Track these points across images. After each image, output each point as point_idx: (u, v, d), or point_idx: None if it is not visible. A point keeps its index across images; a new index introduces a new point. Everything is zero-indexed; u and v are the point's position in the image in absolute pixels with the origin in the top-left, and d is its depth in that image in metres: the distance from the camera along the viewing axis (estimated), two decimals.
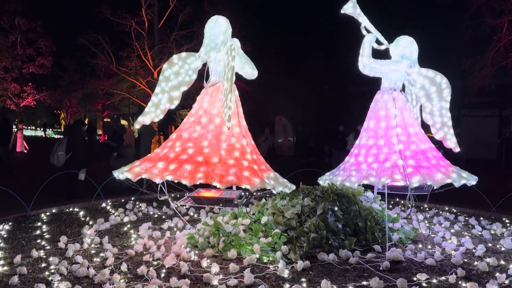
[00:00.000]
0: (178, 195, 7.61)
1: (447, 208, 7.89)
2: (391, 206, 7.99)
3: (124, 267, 4.24)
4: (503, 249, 5.26)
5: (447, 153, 7.16)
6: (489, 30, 15.88)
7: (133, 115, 39.83)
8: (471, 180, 5.91)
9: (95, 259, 4.53)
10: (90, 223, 6.29)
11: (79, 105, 36.23)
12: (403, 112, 6.15)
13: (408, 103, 6.46)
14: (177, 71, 5.56)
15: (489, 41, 16.05)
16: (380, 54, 6.65)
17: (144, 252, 4.78)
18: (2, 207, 6.77)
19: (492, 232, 6.10)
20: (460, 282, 4.02)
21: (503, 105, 28.27)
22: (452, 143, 6.21)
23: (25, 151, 23.59)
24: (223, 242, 4.72)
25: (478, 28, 15.79)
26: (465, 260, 4.72)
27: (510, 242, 5.36)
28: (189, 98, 11.52)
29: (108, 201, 7.98)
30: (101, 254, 4.68)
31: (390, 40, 6.67)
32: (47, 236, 5.52)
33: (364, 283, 3.94)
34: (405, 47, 6.35)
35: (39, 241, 5.27)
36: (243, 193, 6.10)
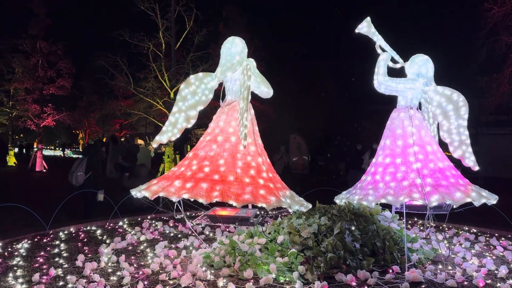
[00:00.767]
0: (194, 214, 7.60)
1: (466, 228, 7.70)
2: (409, 226, 7.82)
3: (140, 286, 4.24)
4: None
5: (466, 172, 7.00)
6: (505, 48, 15.76)
7: (149, 134, 40.25)
8: (491, 199, 5.78)
9: (111, 278, 4.51)
10: (107, 241, 6.27)
11: (97, 125, 36.82)
12: (420, 130, 6.11)
13: (425, 121, 6.42)
14: (194, 91, 5.63)
15: (505, 59, 15.90)
16: (396, 73, 6.65)
17: (160, 271, 4.73)
18: (21, 225, 6.82)
19: None
20: None
21: None
22: (470, 161, 6.11)
23: (44, 170, 23.86)
24: (239, 262, 4.68)
25: (493, 46, 15.66)
26: (488, 281, 4.59)
27: None
28: (205, 117, 11.59)
29: (125, 220, 7.97)
30: (118, 273, 4.66)
31: (406, 58, 6.68)
32: (65, 255, 5.51)
33: None
34: (421, 65, 6.35)
35: (57, 259, 5.26)
36: (258, 212, 6.08)
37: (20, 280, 4.40)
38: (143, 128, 40.07)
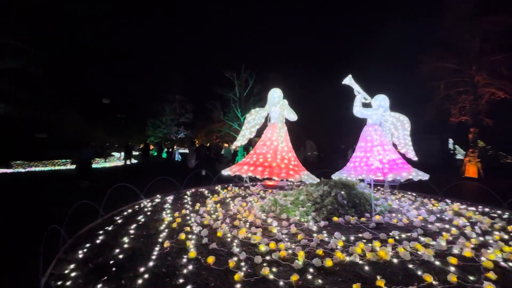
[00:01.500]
0: (253, 183, 7.62)
1: (409, 193, 7.19)
2: (375, 191, 7.33)
3: (227, 220, 4.36)
4: (446, 218, 4.68)
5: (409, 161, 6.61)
6: (432, 88, 14.47)
7: (229, 141, 41.09)
8: (425, 176, 5.40)
9: (212, 216, 4.63)
10: (210, 196, 6.28)
11: (205, 136, 37.95)
12: (381, 137, 5.84)
13: (383, 132, 6.11)
14: (254, 118, 5.75)
15: (433, 94, 14.60)
16: (365, 105, 6.40)
17: (237, 213, 4.84)
18: (166, 188, 6.98)
19: (439, 207, 5.44)
20: (419, 237, 3.66)
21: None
22: (411, 155, 5.75)
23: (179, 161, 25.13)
24: (278, 209, 4.71)
25: (428, 85, 14.43)
26: (422, 224, 4.28)
27: (451, 215, 4.77)
28: (260, 132, 11.70)
29: (219, 186, 7.92)
30: (216, 213, 4.80)
31: (372, 95, 6.42)
32: (190, 203, 5.64)
33: (360, 235, 3.72)
34: (381, 100, 6.08)
35: (186, 206, 5.41)
36: (289, 183, 6.05)
37: (169, 216, 4.65)
38: (228, 137, 41.24)
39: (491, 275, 2.70)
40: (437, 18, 14.44)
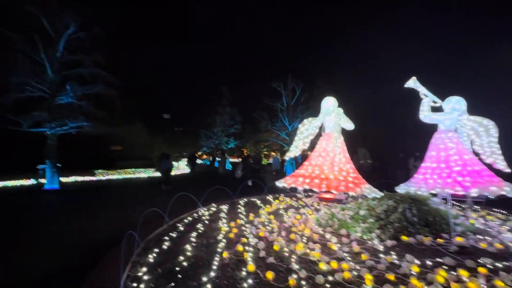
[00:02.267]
0: (307, 194, 7.33)
1: (496, 211, 5.99)
2: (452, 207, 6.29)
3: (283, 233, 4.27)
4: None
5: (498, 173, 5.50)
6: None
7: (277, 149, 41.08)
8: None
9: (267, 227, 4.58)
10: (262, 206, 6.22)
11: (253, 145, 38.65)
12: (458, 145, 5.04)
13: (461, 139, 5.27)
14: (307, 128, 5.58)
15: None
16: (435, 109, 5.64)
17: (292, 226, 4.71)
18: (222, 197, 7.06)
19: None
20: None
21: None
22: (501, 165, 4.79)
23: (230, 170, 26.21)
24: (337, 224, 4.42)
25: None
26: None
27: None
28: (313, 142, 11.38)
29: (270, 195, 7.70)
30: (270, 225, 4.73)
31: (442, 98, 5.63)
32: (244, 213, 5.65)
33: (439, 259, 3.20)
34: (455, 102, 5.29)
35: (240, 215, 5.43)
36: (347, 196, 5.63)
37: (225, 226, 4.72)
38: (275, 146, 41.25)
39: None
40: None
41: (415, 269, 2.95)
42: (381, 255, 3.33)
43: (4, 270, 3.60)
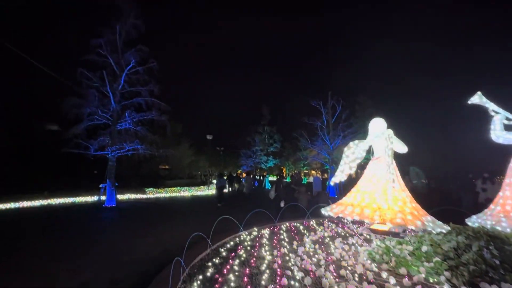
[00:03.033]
0: (358, 226, 6.69)
1: None
2: None
3: (331, 267, 3.90)
4: None
5: None
6: None
7: (317, 168, 39.64)
8: None
9: (313, 258, 4.27)
10: (306, 233, 5.89)
11: (292, 164, 37.86)
12: None
13: None
14: (353, 151, 5.19)
15: None
16: (509, 127, 4.79)
17: (340, 259, 4.29)
18: (261, 219, 6.88)
19: None
20: None
21: None
22: None
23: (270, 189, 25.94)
24: (394, 261, 3.87)
25: None
26: None
27: None
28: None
29: (313, 221, 7.46)
30: (316, 256, 4.39)
31: None
32: (286, 239, 5.41)
33: None
34: None
35: (283, 242, 5.17)
36: (404, 229, 4.95)
37: (267, 249, 4.56)
38: (314, 165, 39.89)
39: None
40: None
41: None
42: None
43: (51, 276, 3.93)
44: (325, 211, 4.98)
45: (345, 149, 5.33)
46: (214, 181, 28.33)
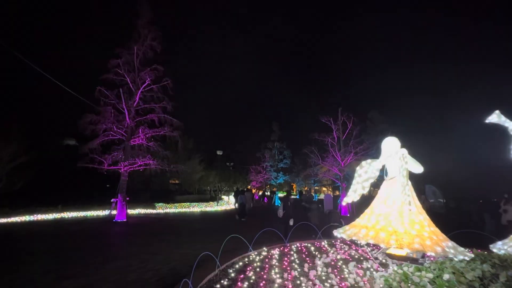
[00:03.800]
0: (373, 249, 6.29)
1: None
2: None
3: None
4: None
5: None
6: None
7: (328, 185, 38.75)
8: None
9: (325, 284, 4.05)
10: (317, 255, 5.62)
11: (302, 180, 37.33)
12: None
13: None
14: (365, 171, 5.05)
15: None
16: None
17: (355, 284, 4.05)
18: (271, 238, 6.89)
19: None
20: None
21: None
22: None
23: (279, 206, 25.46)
24: None
25: None
26: None
27: None
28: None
29: (325, 241, 7.14)
30: (328, 281, 4.17)
31: None
32: (296, 261, 5.24)
33: None
34: None
35: (293, 265, 5.00)
36: (423, 255, 4.64)
37: (277, 272, 4.42)
38: (325, 181, 39.08)
39: None
40: None
41: None
42: None
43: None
44: (338, 233, 4.79)
45: (358, 168, 5.20)
46: (224, 197, 28.25)
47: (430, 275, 3.83)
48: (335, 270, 4.74)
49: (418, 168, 5.01)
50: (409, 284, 3.74)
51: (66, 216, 12.99)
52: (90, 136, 12.32)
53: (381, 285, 3.92)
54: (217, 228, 10.95)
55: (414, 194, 4.69)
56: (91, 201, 16.12)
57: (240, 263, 5.14)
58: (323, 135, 17.96)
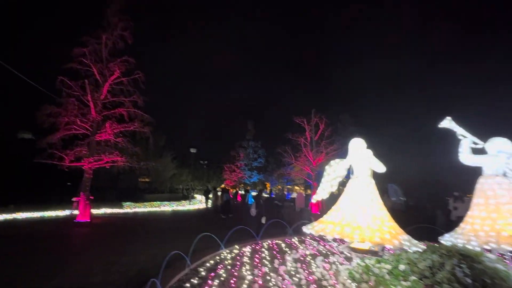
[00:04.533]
0: (338, 244, 6.60)
1: None
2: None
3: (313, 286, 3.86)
4: None
5: None
6: None
7: (300, 184, 39.83)
8: None
9: (294, 278, 4.20)
10: (288, 251, 5.80)
11: (276, 179, 37.86)
12: (510, 192, 4.45)
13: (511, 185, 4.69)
14: (334, 169, 5.33)
15: None
16: (477, 151, 5.17)
17: (322, 278, 4.26)
18: (242, 236, 6.81)
19: None
20: None
21: None
22: None
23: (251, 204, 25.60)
24: (373, 281, 3.90)
25: None
26: None
27: None
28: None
29: (295, 238, 7.30)
30: (297, 275, 4.33)
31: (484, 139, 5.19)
32: (267, 257, 5.30)
33: None
34: (500, 144, 4.81)
35: (264, 261, 5.08)
36: (383, 248, 5.00)
37: (248, 269, 4.47)
38: (299, 181, 40.09)
39: None
40: None
41: None
42: None
43: None
44: (307, 229, 5.00)
45: (326, 167, 5.46)
46: (197, 196, 27.72)
47: (389, 266, 4.15)
48: (304, 265, 4.90)
49: (381, 168, 5.39)
50: (370, 275, 4.03)
51: (19, 217, 11.80)
52: (49, 130, 11.32)
53: (346, 277, 4.18)
54: (189, 227, 10.75)
55: (377, 192, 5.05)
56: (49, 200, 14.81)
57: (211, 262, 5.12)
58: (296, 135, 18.48)
